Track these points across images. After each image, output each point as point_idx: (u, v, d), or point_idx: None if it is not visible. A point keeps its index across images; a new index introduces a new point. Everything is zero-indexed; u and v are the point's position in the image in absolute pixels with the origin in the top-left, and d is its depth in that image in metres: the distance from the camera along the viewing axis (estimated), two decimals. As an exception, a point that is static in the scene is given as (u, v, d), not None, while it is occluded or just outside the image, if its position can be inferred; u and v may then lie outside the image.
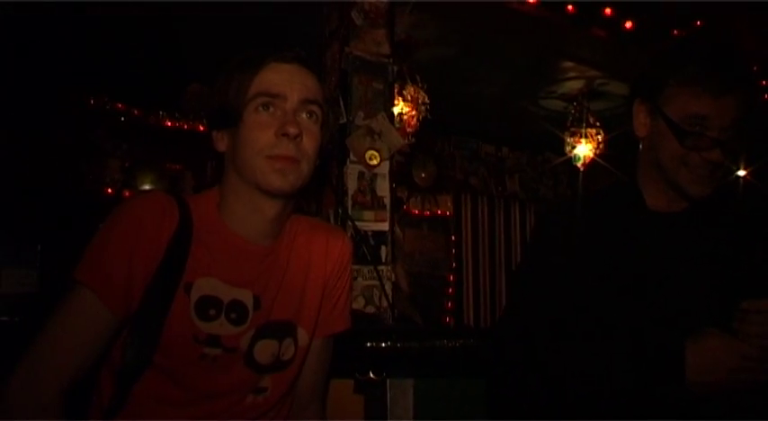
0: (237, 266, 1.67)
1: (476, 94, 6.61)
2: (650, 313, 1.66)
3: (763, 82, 6.51)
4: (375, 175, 3.00)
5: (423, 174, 7.48)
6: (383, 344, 2.23)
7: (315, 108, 1.67)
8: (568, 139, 6.40)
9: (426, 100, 5.27)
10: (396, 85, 5.07)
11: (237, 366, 1.66)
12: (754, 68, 6.39)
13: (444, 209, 7.72)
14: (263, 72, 1.64)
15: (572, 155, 6.47)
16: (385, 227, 2.97)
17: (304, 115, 1.66)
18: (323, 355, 1.86)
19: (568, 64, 5.79)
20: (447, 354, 2.36)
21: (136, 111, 6.09)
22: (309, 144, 1.65)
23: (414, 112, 5.20)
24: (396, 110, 5.12)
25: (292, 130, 1.60)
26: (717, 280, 1.68)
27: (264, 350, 1.69)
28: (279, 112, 1.63)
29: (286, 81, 1.64)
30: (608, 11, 4.81)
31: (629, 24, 4.92)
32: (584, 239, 1.76)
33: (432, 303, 7.23)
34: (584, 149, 6.37)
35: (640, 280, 1.69)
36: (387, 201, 3.00)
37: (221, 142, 1.70)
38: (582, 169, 6.53)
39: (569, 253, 1.75)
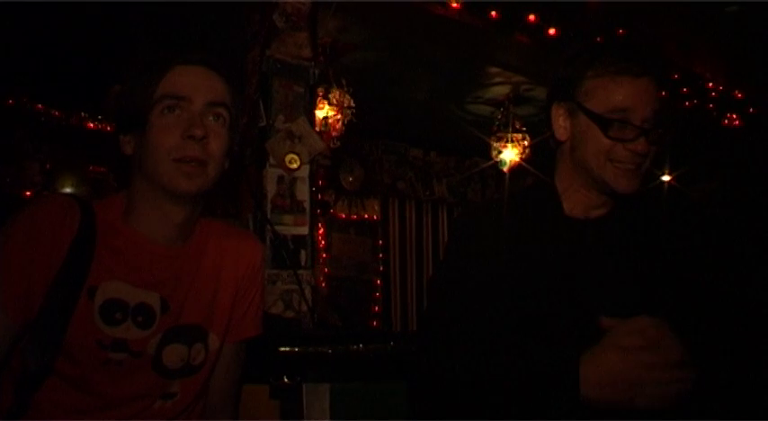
0: (145, 269, 1.64)
1: (403, 99, 6.64)
2: (564, 320, 1.65)
3: (685, 89, 6.69)
4: (295, 179, 2.99)
5: (350, 178, 7.48)
6: (297, 349, 2.22)
7: (221, 110, 1.66)
8: (494, 144, 6.47)
9: (352, 104, 5.28)
10: (321, 89, 5.10)
11: (144, 371, 1.63)
12: (676, 76, 6.57)
13: (372, 213, 7.72)
14: (170, 74, 1.62)
15: (498, 159, 6.55)
16: (304, 231, 2.96)
17: (210, 118, 1.64)
18: (234, 361, 1.84)
19: (494, 69, 5.85)
20: (363, 358, 2.36)
21: (56, 113, 5.95)
22: (216, 146, 1.63)
23: (339, 116, 5.21)
24: (321, 113, 5.13)
25: (198, 132, 1.58)
26: (632, 287, 1.69)
27: (173, 354, 1.66)
28: (185, 115, 1.61)
29: (192, 83, 1.63)
30: (532, 17, 4.87)
31: (552, 31, 4.99)
32: (500, 243, 1.74)
33: (358, 307, 7.23)
34: (509, 154, 6.45)
35: (554, 287, 1.67)
36: (306, 204, 2.99)
37: (128, 145, 1.67)
38: (508, 173, 6.62)
39: (484, 257, 1.74)
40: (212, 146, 1.62)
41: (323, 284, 6.65)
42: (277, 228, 2.90)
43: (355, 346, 2.35)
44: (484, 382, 1.62)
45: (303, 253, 2.94)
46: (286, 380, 2.21)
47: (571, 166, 1.78)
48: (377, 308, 7.46)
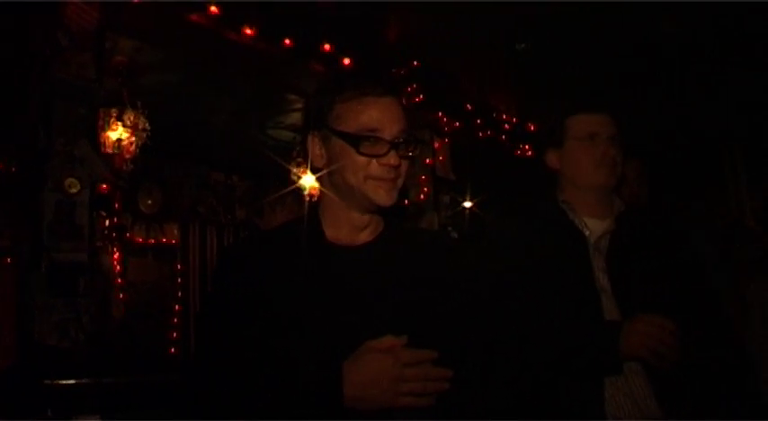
0: None
1: (203, 121, 6.57)
2: (325, 344, 1.68)
3: (479, 120, 6.99)
4: (74, 204, 2.89)
5: (149, 201, 7.28)
6: (65, 382, 2.14)
7: None
8: (294, 170, 6.49)
9: (147, 126, 5.15)
10: (116, 110, 4.95)
11: None
12: (469, 107, 6.86)
13: (171, 237, 7.56)
14: None
15: (298, 185, 6.57)
16: (83, 257, 2.87)
17: None
18: None
19: (293, 96, 5.89)
20: (138, 389, 2.31)
21: None
22: None
23: (133, 138, 5.06)
24: (114, 135, 4.97)
25: None
26: (393, 309, 1.73)
27: None
28: None
29: None
30: (327, 47, 4.96)
31: (347, 61, 5.09)
32: (259, 275, 1.76)
33: (156, 334, 7.03)
34: (309, 180, 6.46)
35: (314, 311, 1.71)
36: (86, 230, 2.89)
37: None
38: (309, 199, 6.63)
39: (244, 289, 1.75)
40: None
41: (118, 311, 6.42)
42: (54, 254, 2.79)
43: (131, 377, 2.29)
44: (256, 403, 1.64)
45: (82, 280, 2.83)
46: (50, 414, 2.12)
47: (332, 191, 1.84)
48: (175, 334, 7.28)
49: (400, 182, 1.81)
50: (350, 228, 1.84)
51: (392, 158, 1.74)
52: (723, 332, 2.28)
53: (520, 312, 2.18)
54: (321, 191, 1.89)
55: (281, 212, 4.03)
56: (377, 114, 1.74)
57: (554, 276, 2.23)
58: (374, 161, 1.74)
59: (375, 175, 1.75)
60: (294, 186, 6.65)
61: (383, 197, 1.77)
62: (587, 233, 2.32)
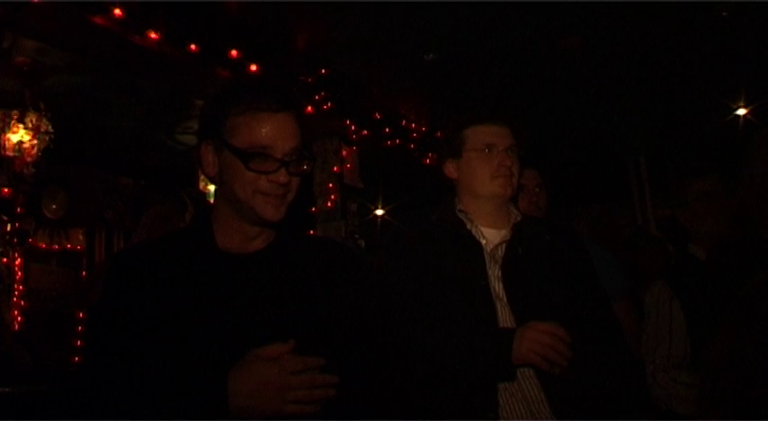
0: None
1: (111, 125, 6.47)
2: (212, 352, 1.68)
3: (387, 129, 7.04)
4: (-35, 208, 2.81)
5: (53, 206, 7.12)
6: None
7: None
8: (203, 175, 6.44)
9: (50, 128, 5.04)
10: (17, 112, 4.84)
11: None
12: (378, 116, 6.91)
13: (76, 243, 7.40)
14: None
15: (206, 190, 6.55)
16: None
17: None
18: None
19: (200, 102, 5.83)
20: (29, 399, 2.26)
21: None
22: None
23: (35, 141, 4.95)
24: (15, 138, 4.87)
25: None
26: (281, 317, 1.75)
27: None
28: None
29: None
30: (234, 53, 4.93)
31: (254, 67, 5.08)
32: (149, 282, 1.74)
33: (59, 342, 6.86)
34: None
35: (202, 320, 1.69)
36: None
37: None
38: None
39: (133, 297, 1.73)
40: None
41: (18, 319, 6.27)
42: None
43: (18, 386, 2.24)
44: (143, 412, 1.62)
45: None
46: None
47: (223, 200, 1.85)
48: (79, 342, 7.10)
49: (290, 196, 1.82)
50: (241, 237, 1.85)
51: (281, 176, 1.75)
52: (613, 337, 2.34)
53: (411, 320, 2.21)
54: (214, 199, 1.90)
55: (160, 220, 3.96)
56: (269, 131, 1.75)
57: (449, 285, 2.26)
58: (263, 177, 1.75)
59: (263, 190, 1.76)
60: (202, 192, 6.63)
61: (270, 212, 1.78)
62: (483, 242, 2.34)
